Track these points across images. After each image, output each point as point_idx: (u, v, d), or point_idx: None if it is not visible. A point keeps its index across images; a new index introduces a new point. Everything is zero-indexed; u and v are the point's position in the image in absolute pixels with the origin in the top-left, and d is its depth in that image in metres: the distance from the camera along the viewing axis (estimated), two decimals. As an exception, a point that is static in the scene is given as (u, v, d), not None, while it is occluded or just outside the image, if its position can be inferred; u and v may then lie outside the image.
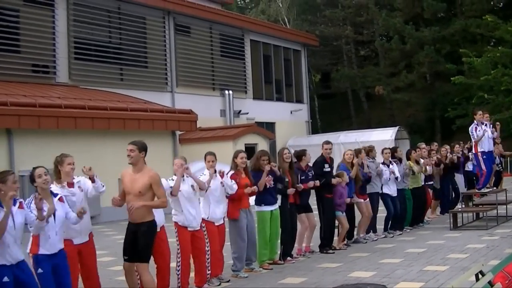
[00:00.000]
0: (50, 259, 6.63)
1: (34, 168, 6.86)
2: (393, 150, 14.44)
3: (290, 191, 10.80)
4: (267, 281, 9.36)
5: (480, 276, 6.03)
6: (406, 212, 14.23)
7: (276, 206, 10.57)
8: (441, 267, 9.56)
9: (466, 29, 37.83)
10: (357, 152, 13.03)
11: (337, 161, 12.86)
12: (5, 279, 6.14)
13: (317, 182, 11.38)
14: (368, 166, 13.06)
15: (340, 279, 9.12)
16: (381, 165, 13.55)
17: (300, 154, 11.57)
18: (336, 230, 12.30)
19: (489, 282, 6.00)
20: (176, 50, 27.88)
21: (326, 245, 11.86)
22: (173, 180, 8.69)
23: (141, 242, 7.53)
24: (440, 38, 38.96)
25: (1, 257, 6.16)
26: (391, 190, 13.70)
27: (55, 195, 6.88)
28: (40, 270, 6.53)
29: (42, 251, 6.59)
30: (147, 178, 7.54)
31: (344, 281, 8.99)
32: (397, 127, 31.25)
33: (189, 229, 8.84)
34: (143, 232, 7.52)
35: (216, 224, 9.47)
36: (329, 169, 11.93)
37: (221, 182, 9.55)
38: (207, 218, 9.33)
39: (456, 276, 8.41)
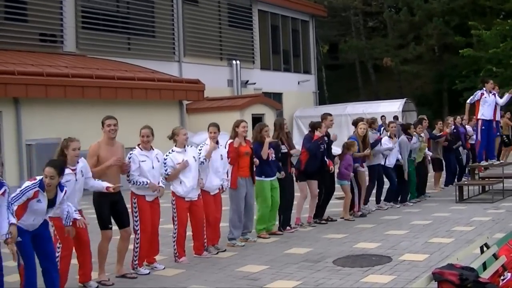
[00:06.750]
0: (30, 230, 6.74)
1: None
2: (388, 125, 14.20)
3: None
4: (272, 251, 9.45)
5: (485, 248, 6.09)
6: (406, 185, 14.14)
7: (275, 177, 10.65)
8: (446, 240, 9.62)
9: (476, 1, 37.38)
10: (370, 123, 13.01)
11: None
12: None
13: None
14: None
15: (345, 250, 9.20)
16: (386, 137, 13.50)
17: (316, 126, 11.52)
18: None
19: (494, 255, 6.06)
20: (184, 19, 27.76)
21: (318, 215, 11.93)
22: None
23: (124, 208, 8.15)
24: (449, 10, 38.57)
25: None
26: (391, 162, 13.63)
27: (62, 188, 6.86)
28: (19, 239, 6.48)
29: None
30: (121, 149, 8.17)
31: (349, 251, 9.08)
32: (405, 99, 31.11)
33: (186, 199, 8.95)
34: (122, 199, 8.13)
35: (212, 193, 9.55)
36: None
37: (221, 154, 9.64)
38: (203, 187, 9.40)
39: (461, 249, 8.46)
